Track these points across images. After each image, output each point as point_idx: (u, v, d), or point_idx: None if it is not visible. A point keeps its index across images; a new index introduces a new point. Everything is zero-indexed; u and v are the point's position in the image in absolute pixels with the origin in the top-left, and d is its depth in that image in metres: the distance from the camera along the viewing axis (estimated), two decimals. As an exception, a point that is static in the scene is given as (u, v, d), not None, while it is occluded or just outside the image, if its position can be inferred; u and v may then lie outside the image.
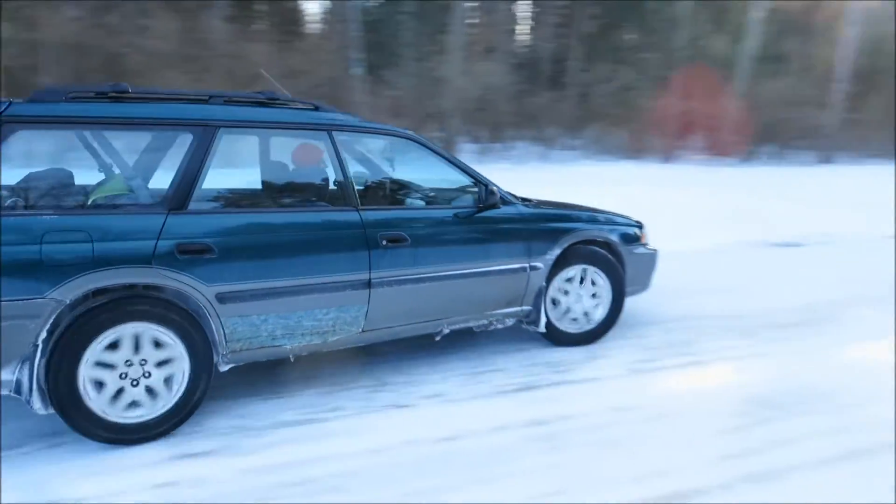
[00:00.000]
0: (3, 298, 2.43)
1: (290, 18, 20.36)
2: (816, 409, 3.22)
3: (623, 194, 9.02)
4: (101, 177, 3.25)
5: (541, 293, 3.89)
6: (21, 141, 2.64)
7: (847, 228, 8.80)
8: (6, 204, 2.64)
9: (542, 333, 4.01)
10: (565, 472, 2.63)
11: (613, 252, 4.19)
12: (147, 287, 2.78)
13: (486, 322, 3.83)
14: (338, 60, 17.36)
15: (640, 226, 4.44)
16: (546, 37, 18.64)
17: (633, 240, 4.31)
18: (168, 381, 2.82)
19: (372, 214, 3.31)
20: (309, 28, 20.95)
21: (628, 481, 2.56)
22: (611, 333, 4.22)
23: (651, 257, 4.45)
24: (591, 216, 4.23)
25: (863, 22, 16.98)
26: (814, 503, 2.43)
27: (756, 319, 4.72)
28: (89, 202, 2.85)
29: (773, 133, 16.62)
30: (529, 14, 21.54)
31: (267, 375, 3.51)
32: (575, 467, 2.67)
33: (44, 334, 2.55)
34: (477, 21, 18.99)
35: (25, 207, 2.65)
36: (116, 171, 3.20)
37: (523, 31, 21.83)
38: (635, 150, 17.00)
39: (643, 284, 4.45)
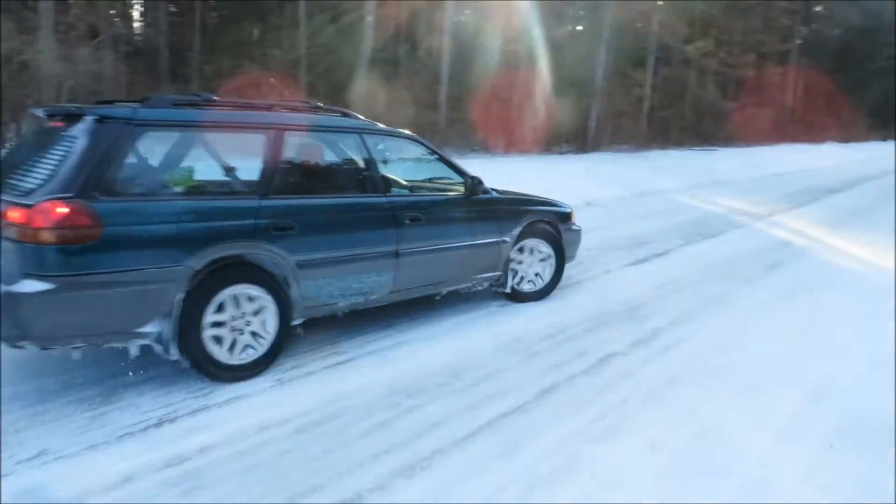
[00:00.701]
0: (150, 267, 3.07)
1: None
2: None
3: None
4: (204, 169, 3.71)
5: (508, 262, 4.95)
6: (146, 141, 3.34)
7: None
8: (140, 191, 3.21)
9: (507, 294, 5.07)
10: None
11: (556, 229, 5.25)
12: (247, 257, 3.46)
13: (470, 285, 4.82)
14: None
15: (570, 210, 5.52)
16: (162, 25, 17.20)
17: (566, 219, 5.42)
18: (263, 327, 3.53)
19: (396, 199, 4.26)
20: None
21: (281, 507, 2.38)
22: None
23: (578, 233, 5.60)
24: (540, 201, 5.33)
25: (456, 32, 19.54)
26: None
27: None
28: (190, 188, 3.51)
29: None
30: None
31: None
32: (220, 506, 2.38)
33: (181, 294, 3.15)
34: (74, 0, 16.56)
35: (156, 193, 3.28)
36: (212, 164, 3.68)
37: (137, 17, 19.88)
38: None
39: (572, 255, 5.55)
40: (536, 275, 5.20)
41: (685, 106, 27.95)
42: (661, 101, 26.85)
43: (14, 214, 2.93)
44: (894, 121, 47.31)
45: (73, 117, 3.20)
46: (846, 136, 40.02)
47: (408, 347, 4.10)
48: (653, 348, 4.24)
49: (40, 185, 2.98)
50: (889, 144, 42.90)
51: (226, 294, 3.36)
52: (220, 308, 3.36)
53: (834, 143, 36.02)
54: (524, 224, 4.97)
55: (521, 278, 5.12)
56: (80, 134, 3.07)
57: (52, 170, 3.02)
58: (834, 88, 38.31)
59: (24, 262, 2.89)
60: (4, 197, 3.07)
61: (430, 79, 17.11)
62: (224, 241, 3.30)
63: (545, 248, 5.20)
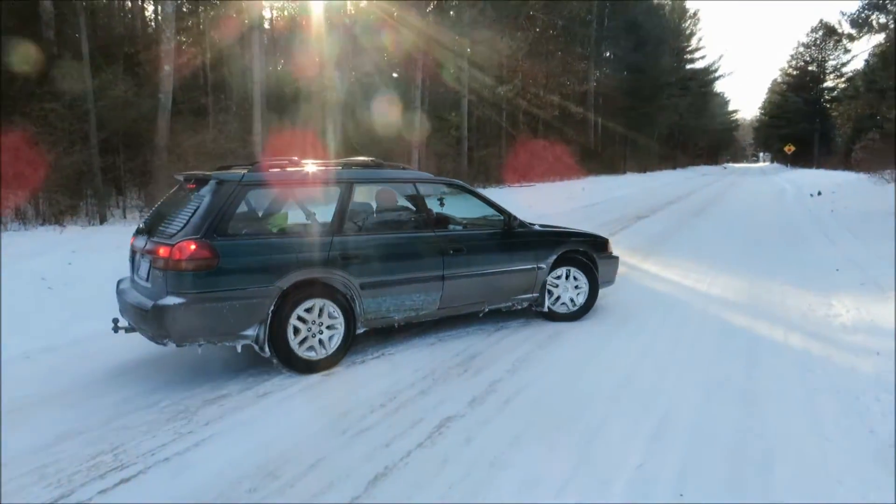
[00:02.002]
0: (252, 286, 4.23)
1: None
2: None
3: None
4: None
5: (544, 285, 5.80)
6: (250, 197, 4.75)
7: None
8: (244, 232, 4.47)
9: (544, 313, 5.87)
10: None
11: (589, 257, 6.04)
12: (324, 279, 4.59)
13: (510, 304, 5.71)
14: None
15: (606, 240, 6.39)
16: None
17: (602, 248, 6.25)
18: (332, 337, 4.60)
19: (442, 234, 5.29)
20: None
21: None
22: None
23: (615, 261, 6.44)
24: (576, 233, 6.28)
25: (269, 81, 18.91)
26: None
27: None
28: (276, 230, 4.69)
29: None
30: None
31: None
32: None
33: (272, 307, 4.30)
34: None
35: (255, 234, 4.55)
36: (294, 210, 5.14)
37: None
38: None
39: (609, 280, 6.34)
40: (571, 300, 5.91)
41: (502, 145, 29.28)
42: (478, 141, 27.91)
43: (161, 251, 4.16)
44: (679, 152, 53.23)
45: (202, 181, 4.55)
46: (643, 166, 44.30)
47: (211, 446, 3.41)
48: (490, 404, 3.91)
49: (179, 230, 4.23)
50: (679, 172, 48.22)
51: (308, 303, 4.45)
52: (308, 310, 4.46)
53: (633, 174, 39.66)
54: (559, 253, 5.83)
55: (557, 299, 5.86)
56: (206, 193, 4.36)
57: (187, 219, 4.26)
58: (628, 124, 42.44)
59: (167, 284, 4.09)
60: (154, 239, 4.40)
61: (242, 128, 16.20)
62: (304, 268, 4.43)
63: (578, 275, 5.94)
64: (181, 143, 13.58)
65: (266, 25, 27.03)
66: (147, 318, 4.11)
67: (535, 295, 5.78)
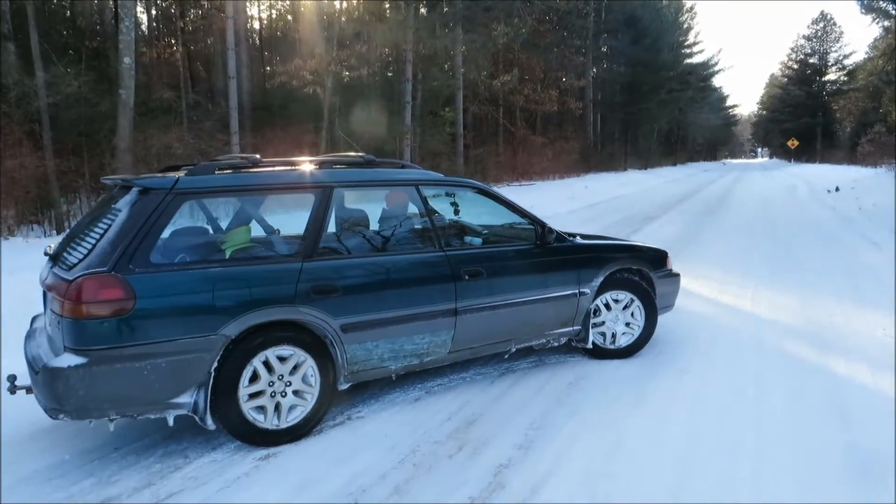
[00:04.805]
0: (185, 337, 3.00)
1: None
2: None
3: None
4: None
5: (588, 315, 4.47)
6: (187, 208, 3.30)
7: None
8: (177, 260, 3.23)
9: (588, 350, 4.58)
10: None
11: (645, 278, 4.70)
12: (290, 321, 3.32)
13: (544, 341, 4.38)
14: None
15: (664, 253, 4.99)
16: None
17: (660, 265, 4.86)
18: (294, 408, 3.36)
19: (454, 253, 3.91)
20: None
21: None
22: None
23: (675, 280, 5.01)
24: (627, 246, 4.86)
25: (252, 77, 17.68)
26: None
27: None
28: (226, 255, 3.40)
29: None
30: None
31: None
32: None
33: (215, 363, 3.07)
34: None
35: (191, 262, 3.26)
36: (244, 226, 3.76)
37: None
38: None
39: (669, 304, 4.99)
40: (623, 332, 4.66)
41: (499, 143, 28.00)
42: (474, 139, 26.63)
43: (57, 289, 3.00)
44: (681, 147, 52.10)
45: (126, 189, 3.32)
46: (644, 163, 43.07)
47: None
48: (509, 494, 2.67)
49: (80, 259, 3.03)
50: (680, 168, 47.05)
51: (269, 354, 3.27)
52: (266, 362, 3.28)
53: (634, 170, 38.44)
54: (607, 273, 4.50)
55: (603, 334, 4.61)
56: (123, 206, 3.15)
57: (93, 244, 3.06)
58: (628, 120, 41.22)
59: (63, 336, 2.92)
60: (55, 271, 3.22)
61: (218, 128, 14.93)
62: (260, 307, 3.19)
63: (633, 300, 4.63)
64: (151, 145, 12.33)
65: (255, 24, 25.86)
66: (36, 383, 3.02)
67: (576, 328, 4.47)
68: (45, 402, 2.94)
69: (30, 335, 3.59)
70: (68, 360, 2.85)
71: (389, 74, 22.81)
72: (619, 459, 3.12)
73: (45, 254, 3.63)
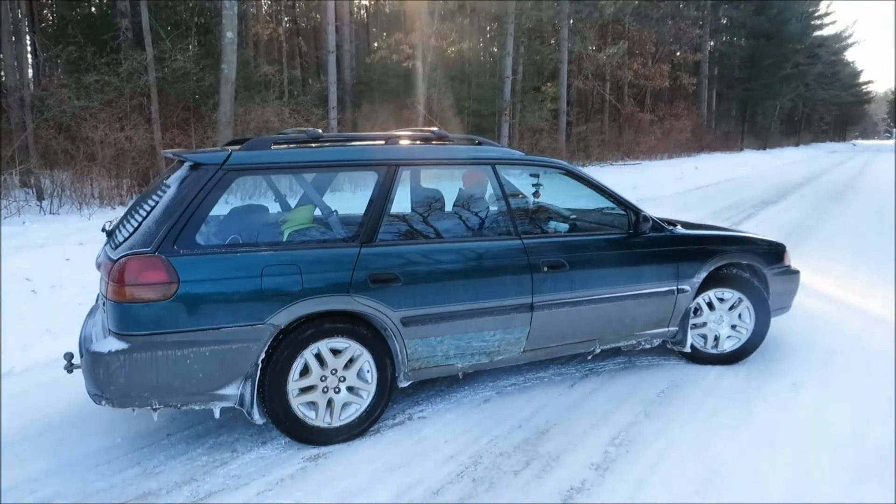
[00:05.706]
0: (230, 325, 2.79)
1: None
2: None
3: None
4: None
5: (687, 315, 3.96)
6: (239, 185, 3.09)
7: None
8: (227, 241, 3.02)
9: (686, 354, 4.08)
10: None
11: (757, 274, 4.17)
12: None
13: (634, 342, 3.92)
14: None
15: (782, 247, 4.38)
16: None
17: (775, 260, 4.27)
18: (348, 405, 3.12)
19: (533, 242, 3.50)
20: None
21: None
22: None
23: (794, 277, 4.41)
24: (737, 238, 4.30)
25: (356, 52, 17.73)
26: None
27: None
28: (284, 236, 3.17)
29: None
30: None
31: None
32: None
33: (262, 354, 2.87)
34: None
35: (240, 244, 2.98)
36: (308, 205, 3.49)
37: None
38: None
39: (785, 305, 4.40)
40: (728, 335, 4.13)
41: (604, 120, 26.86)
42: (578, 115, 25.65)
43: (105, 268, 2.88)
44: (805, 126, 48.22)
45: (181, 163, 3.14)
46: (762, 142, 40.26)
47: None
48: None
49: (126, 238, 2.88)
50: (803, 149, 43.64)
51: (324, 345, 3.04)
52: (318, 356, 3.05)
53: (751, 151, 35.98)
54: (712, 268, 3.98)
55: (704, 337, 4.10)
56: (172, 182, 2.98)
57: (139, 223, 2.91)
58: (746, 96, 38.53)
59: (108, 318, 2.81)
60: (106, 249, 3.10)
61: (315, 102, 15.02)
62: (312, 296, 2.93)
63: (741, 300, 4.08)
64: (250, 119, 12.56)
65: (364, 1, 25.99)
66: (83, 366, 2.89)
67: (672, 329, 3.97)
68: (88, 386, 2.83)
69: (92, 311, 3.51)
70: (110, 344, 2.72)
71: (492, 49, 22.29)
72: (714, 493, 2.64)
73: (103, 230, 3.51)
